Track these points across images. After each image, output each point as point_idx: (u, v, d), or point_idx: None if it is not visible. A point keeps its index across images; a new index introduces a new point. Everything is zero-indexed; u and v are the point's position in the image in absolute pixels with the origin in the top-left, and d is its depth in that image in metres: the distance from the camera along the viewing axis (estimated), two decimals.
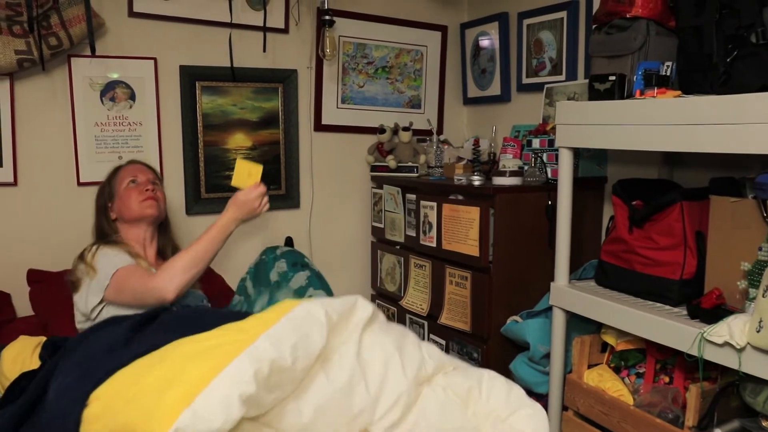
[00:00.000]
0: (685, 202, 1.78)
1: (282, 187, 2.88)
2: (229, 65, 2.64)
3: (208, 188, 2.72)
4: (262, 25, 2.68)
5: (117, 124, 2.50)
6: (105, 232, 2.11)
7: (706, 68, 1.61)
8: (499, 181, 2.35)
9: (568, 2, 2.54)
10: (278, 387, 1.11)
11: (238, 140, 2.75)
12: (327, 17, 2.61)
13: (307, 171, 2.94)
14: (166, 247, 2.20)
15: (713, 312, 1.62)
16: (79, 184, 2.46)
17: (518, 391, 1.33)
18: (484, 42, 3.04)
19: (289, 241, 2.91)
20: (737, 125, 1.47)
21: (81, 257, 2.00)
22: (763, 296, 1.43)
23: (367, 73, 3.03)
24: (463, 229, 2.36)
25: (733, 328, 1.50)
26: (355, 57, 2.98)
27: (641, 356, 1.94)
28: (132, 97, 2.52)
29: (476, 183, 2.38)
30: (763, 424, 1.50)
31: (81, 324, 1.95)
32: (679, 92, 1.68)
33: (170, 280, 1.83)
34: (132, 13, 2.49)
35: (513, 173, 2.35)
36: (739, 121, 1.46)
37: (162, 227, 2.22)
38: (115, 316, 1.74)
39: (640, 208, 1.88)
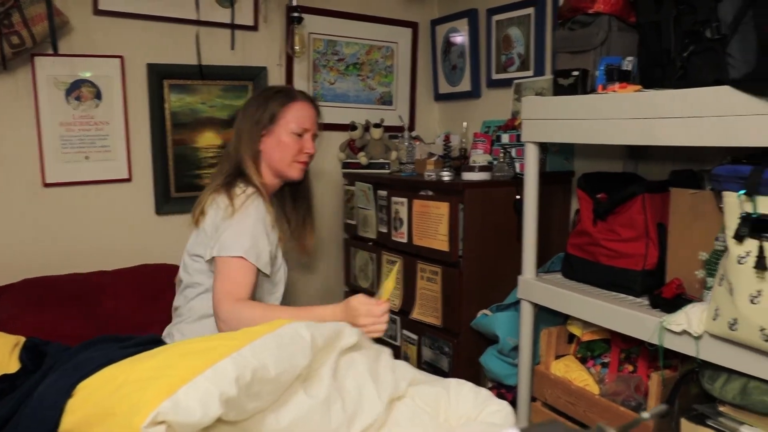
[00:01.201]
0: (647, 195, 1.82)
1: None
2: (197, 63, 2.63)
3: (178, 187, 2.71)
4: (230, 22, 2.67)
5: (83, 123, 2.48)
6: (245, 170, 1.81)
7: (665, 63, 1.64)
8: (468, 176, 2.37)
9: None
10: (259, 397, 1.14)
11: (208, 139, 2.74)
12: (296, 14, 2.61)
13: None
14: (300, 206, 2.02)
15: (673, 301, 1.66)
16: (45, 185, 2.44)
17: (485, 392, 1.36)
18: (455, 38, 3.06)
19: None
20: (693, 118, 1.50)
21: (229, 186, 1.76)
22: (719, 285, 1.46)
23: (338, 69, 3.03)
24: (433, 224, 2.37)
25: (691, 317, 1.53)
26: (325, 54, 2.98)
27: (607, 346, 1.98)
28: (98, 96, 2.49)
29: (446, 179, 2.40)
30: (720, 409, 1.54)
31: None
32: (639, 87, 1.71)
33: (237, 323, 1.55)
34: (97, 11, 2.46)
35: (482, 168, 2.38)
36: (695, 115, 1.49)
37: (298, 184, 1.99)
38: (105, 336, 1.63)
39: (604, 202, 1.91)
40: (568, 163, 2.49)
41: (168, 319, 1.92)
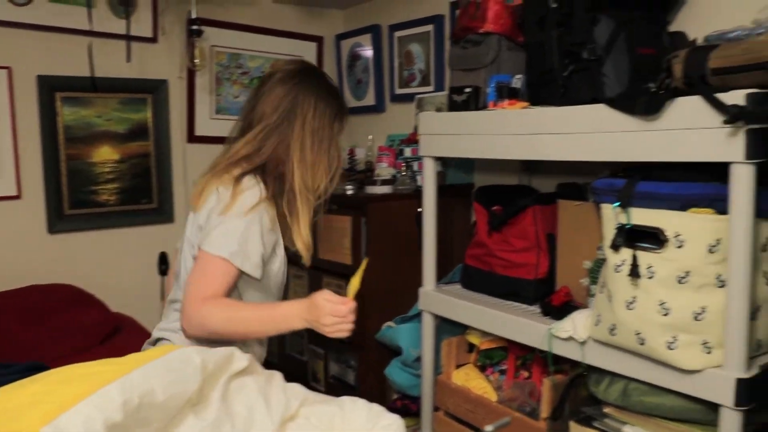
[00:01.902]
0: (537, 207, 1.90)
1: (154, 200, 2.80)
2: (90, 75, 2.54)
3: (73, 204, 2.59)
4: (125, 33, 2.59)
5: None
6: (268, 165, 1.57)
7: (549, 81, 1.72)
8: (370, 190, 2.40)
9: (435, 16, 2.64)
10: (147, 422, 1.11)
11: (105, 153, 2.65)
12: (195, 27, 2.56)
13: (180, 184, 2.87)
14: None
15: (562, 309, 1.73)
16: None
17: (378, 408, 1.37)
18: (359, 53, 3.10)
19: (163, 257, 2.83)
20: (574, 134, 1.58)
21: (240, 179, 1.53)
22: (600, 292, 1.55)
23: (242, 83, 3.00)
24: (337, 238, 2.38)
25: (577, 323, 1.61)
26: (229, 67, 2.95)
27: (505, 354, 2.04)
28: None
29: (349, 193, 2.42)
30: (605, 410, 1.62)
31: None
32: (527, 103, 1.79)
33: (196, 328, 1.47)
34: None
35: (384, 182, 2.41)
36: (575, 131, 1.58)
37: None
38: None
39: (499, 214, 1.98)
40: (467, 176, 2.57)
41: (55, 341, 1.83)
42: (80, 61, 2.53)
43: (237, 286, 1.55)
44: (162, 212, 2.82)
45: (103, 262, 2.69)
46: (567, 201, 1.82)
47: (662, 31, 1.69)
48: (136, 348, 1.54)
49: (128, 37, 2.60)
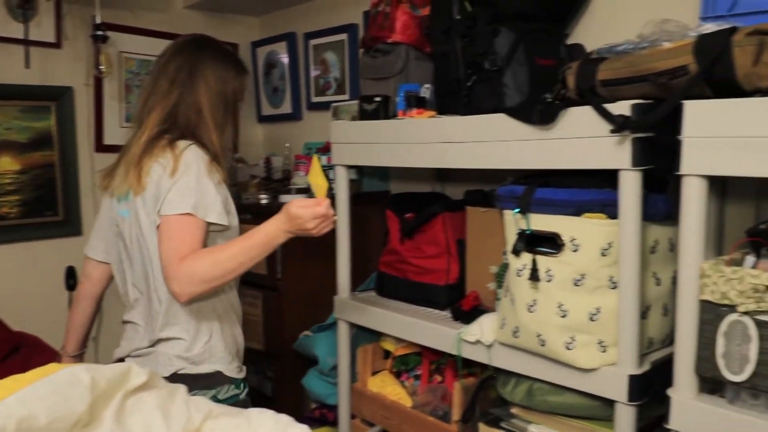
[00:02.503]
0: (447, 214, 1.93)
1: (59, 213, 2.68)
2: None
3: None
4: (23, 38, 2.48)
5: None
6: (193, 125, 1.61)
7: (455, 91, 1.76)
8: (285, 198, 2.38)
9: (348, 25, 2.66)
10: None
11: (4, 164, 2.52)
12: (100, 33, 2.48)
13: (88, 194, 2.76)
14: None
15: (471, 313, 1.77)
16: None
17: (286, 418, 1.36)
18: (275, 61, 3.08)
19: (71, 272, 2.71)
20: (477, 143, 1.62)
21: (173, 142, 1.56)
22: (505, 296, 1.59)
23: None
24: None
25: (484, 327, 1.65)
26: (139, 74, 2.86)
27: (420, 359, 2.07)
28: None
29: (263, 202, 2.39)
30: (512, 411, 1.66)
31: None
32: (434, 113, 1.82)
33: (188, 284, 1.46)
34: None
35: (299, 190, 2.40)
36: (478, 140, 1.62)
37: None
38: None
39: (411, 221, 2.00)
40: (384, 183, 2.59)
41: None
42: None
43: (206, 245, 1.55)
44: (68, 225, 2.70)
45: (4, 278, 2.56)
46: (474, 208, 1.86)
47: (561, 43, 1.76)
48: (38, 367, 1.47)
49: (27, 42, 2.48)
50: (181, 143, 1.57)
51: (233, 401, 1.63)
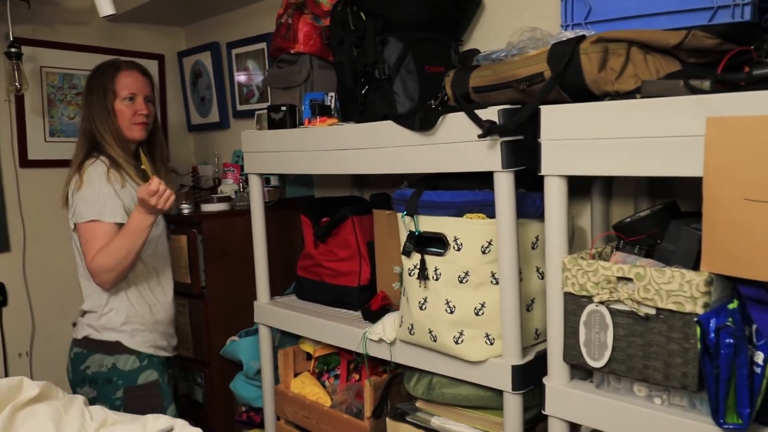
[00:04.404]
0: (356, 217, 1.99)
1: None
2: None
3: None
4: None
5: None
6: (99, 142, 1.99)
7: (353, 99, 1.82)
8: (206, 207, 2.42)
9: (266, 34, 2.69)
10: None
11: None
12: (13, 49, 2.47)
13: (15, 210, 2.75)
14: (155, 157, 2.15)
15: (379, 313, 1.84)
16: None
17: (180, 422, 1.41)
18: (201, 70, 3.10)
19: (0, 288, 2.71)
20: (371, 149, 1.68)
21: (83, 162, 1.97)
22: (403, 295, 1.66)
23: (77, 104, 2.91)
24: (175, 257, 2.38)
25: (386, 326, 1.72)
26: (62, 88, 2.86)
27: (339, 359, 2.13)
28: None
29: (185, 212, 2.42)
30: (417, 405, 1.73)
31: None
32: (336, 120, 1.88)
33: (100, 275, 1.89)
34: None
35: (221, 199, 2.44)
36: (372, 146, 1.68)
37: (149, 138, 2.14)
38: None
39: (324, 225, 2.06)
40: (307, 189, 2.64)
41: None
42: None
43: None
44: None
45: None
46: (380, 210, 1.92)
47: (451, 50, 1.83)
48: None
49: None
50: (87, 162, 1.97)
51: (139, 375, 1.97)
